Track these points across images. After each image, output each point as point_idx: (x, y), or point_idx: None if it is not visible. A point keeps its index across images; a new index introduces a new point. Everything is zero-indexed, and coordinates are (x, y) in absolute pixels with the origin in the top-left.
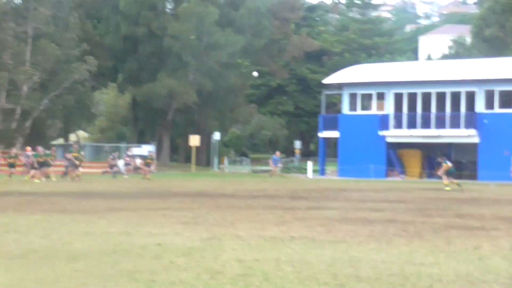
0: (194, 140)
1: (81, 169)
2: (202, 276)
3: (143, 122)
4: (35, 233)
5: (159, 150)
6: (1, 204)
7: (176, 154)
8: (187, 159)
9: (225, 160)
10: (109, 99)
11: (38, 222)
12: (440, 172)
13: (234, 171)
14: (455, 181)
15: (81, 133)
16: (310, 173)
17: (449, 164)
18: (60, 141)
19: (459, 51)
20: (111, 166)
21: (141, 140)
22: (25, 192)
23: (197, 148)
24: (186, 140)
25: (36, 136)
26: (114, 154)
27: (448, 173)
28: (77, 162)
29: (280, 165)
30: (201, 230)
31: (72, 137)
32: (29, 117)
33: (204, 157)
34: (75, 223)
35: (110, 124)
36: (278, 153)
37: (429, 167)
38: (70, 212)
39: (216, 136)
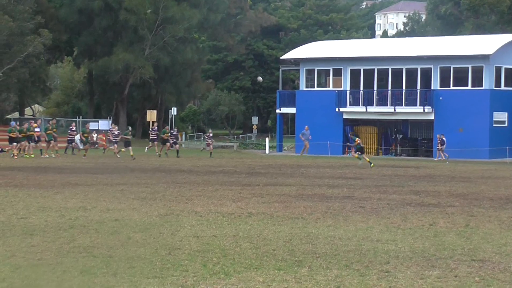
0: (151, 115)
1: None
2: (159, 252)
3: (100, 96)
4: None
5: (115, 125)
6: None
7: (133, 129)
8: (144, 134)
9: (182, 136)
10: (64, 73)
11: None
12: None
13: (192, 147)
14: (367, 158)
15: (37, 107)
16: (267, 149)
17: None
18: (16, 114)
19: (414, 28)
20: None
21: (97, 114)
22: None
23: (154, 123)
24: (143, 115)
25: None
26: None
27: (357, 149)
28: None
29: (310, 138)
30: (159, 206)
31: (28, 111)
32: None
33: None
34: (31, 198)
35: (65, 98)
36: (307, 127)
37: (386, 144)
38: (26, 187)
39: (173, 111)
